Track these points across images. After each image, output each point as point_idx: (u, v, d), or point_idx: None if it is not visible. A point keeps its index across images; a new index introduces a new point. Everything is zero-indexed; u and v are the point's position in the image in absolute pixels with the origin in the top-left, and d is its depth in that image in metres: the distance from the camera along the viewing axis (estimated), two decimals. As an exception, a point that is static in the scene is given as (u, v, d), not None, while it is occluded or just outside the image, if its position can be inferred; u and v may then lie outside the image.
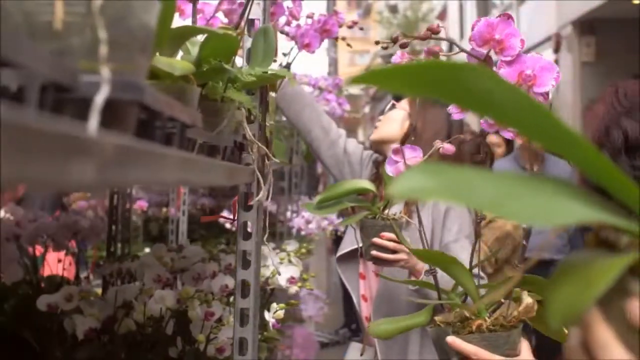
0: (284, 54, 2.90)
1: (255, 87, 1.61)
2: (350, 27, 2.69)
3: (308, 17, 2.72)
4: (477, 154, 3.27)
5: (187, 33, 1.18)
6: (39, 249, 2.82)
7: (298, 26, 2.69)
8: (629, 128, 1.34)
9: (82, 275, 2.89)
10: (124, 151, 0.52)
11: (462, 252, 2.24)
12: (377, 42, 1.46)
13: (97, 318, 1.98)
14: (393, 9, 26.80)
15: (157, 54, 1.16)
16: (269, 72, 1.42)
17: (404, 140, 2.40)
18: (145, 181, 0.57)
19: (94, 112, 0.55)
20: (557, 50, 11.68)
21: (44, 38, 0.59)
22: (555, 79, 1.26)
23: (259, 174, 1.57)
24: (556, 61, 11.85)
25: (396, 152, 1.53)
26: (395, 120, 2.50)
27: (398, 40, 1.36)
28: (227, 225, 4.48)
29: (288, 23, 2.72)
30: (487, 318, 1.37)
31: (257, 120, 1.66)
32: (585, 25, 11.00)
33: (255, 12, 1.68)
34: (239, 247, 1.69)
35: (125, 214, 3.30)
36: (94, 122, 0.54)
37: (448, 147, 1.48)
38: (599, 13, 10.34)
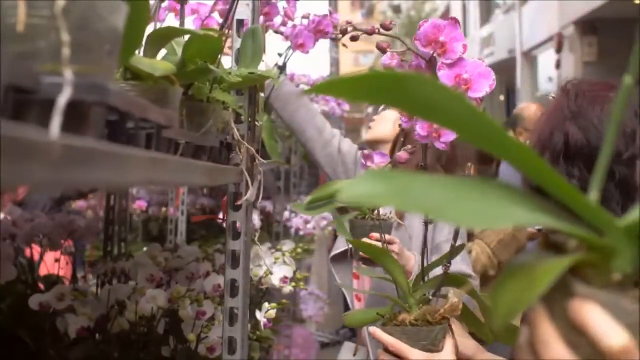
0: (279, 54, 2.91)
1: (243, 87, 1.62)
2: (343, 27, 2.69)
3: (304, 17, 2.72)
4: (480, 153, 3.26)
5: (169, 34, 1.19)
6: (38, 249, 2.84)
7: (294, 26, 2.69)
8: (571, 133, 1.34)
9: (80, 274, 2.90)
10: (81, 152, 0.53)
11: None
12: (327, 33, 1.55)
13: (89, 317, 1.99)
14: (396, 9, 26.81)
15: (141, 54, 1.17)
16: (256, 72, 1.43)
17: (395, 141, 2.41)
18: (107, 181, 0.58)
19: (55, 113, 0.56)
20: (559, 50, 11.69)
21: (11, 40, 0.60)
22: (490, 85, 1.29)
23: (246, 174, 1.58)
24: (558, 61, 11.86)
25: (367, 157, 1.56)
26: (388, 120, 2.51)
27: (347, 32, 1.44)
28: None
29: (284, 23, 2.72)
30: (413, 313, 1.42)
31: (246, 121, 1.67)
32: (587, 25, 11.01)
33: (245, 12, 1.69)
34: (228, 247, 1.70)
35: (122, 213, 3.31)
36: (55, 124, 0.55)
37: (401, 155, 1.50)
38: (600, 13, 10.35)
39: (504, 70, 16.38)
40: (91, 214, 4.67)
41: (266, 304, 2.11)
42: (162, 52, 1.42)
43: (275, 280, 2.38)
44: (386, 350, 1.42)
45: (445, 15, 23.32)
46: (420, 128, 1.34)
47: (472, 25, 19.90)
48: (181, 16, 1.61)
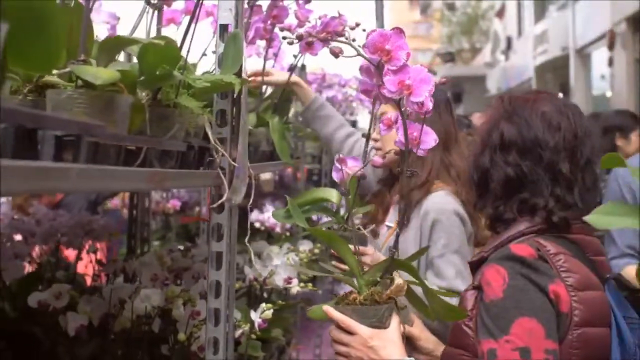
0: (295, 56, 2.93)
1: (226, 91, 1.64)
2: (352, 28, 2.70)
3: (320, 18, 2.73)
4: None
5: (119, 43, 1.22)
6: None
7: (313, 27, 2.70)
8: (505, 129, 1.61)
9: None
10: None
11: (448, 268, 2.22)
12: (284, 38, 1.65)
13: (89, 315, 2.03)
14: (450, 7, 26.64)
15: (94, 63, 1.20)
16: (222, 79, 1.45)
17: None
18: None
19: None
20: (611, 47, 11.47)
21: None
22: (430, 90, 1.39)
23: (223, 177, 1.60)
24: (611, 58, 11.65)
25: (341, 161, 1.62)
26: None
27: (302, 38, 1.51)
28: (257, 225, 4.52)
29: (300, 25, 2.73)
30: (363, 294, 1.55)
31: (229, 123, 1.69)
32: (640, 22, 10.81)
33: (227, 17, 1.72)
34: (211, 249, 1.72)
35: (145, 213, 3.36)
36: None
37: (376, 160, 1.56)
38: (653, 9, 10.14)
39: (558, 68, 16.13)
40: (126, 212, 4.75)
41: (263, 305, 2.13)
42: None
43: (279, 281, 2.41)
44: (338, 327, 1.55)
45: (501, 12, 23.10)
46: (391, 84, 1.40)
47: (527, 22, 19.65)
48: (158, 21, 1.63)
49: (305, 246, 3.12)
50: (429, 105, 1.42)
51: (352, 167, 1.63)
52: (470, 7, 26.04)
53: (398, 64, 1.39)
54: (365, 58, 1.42)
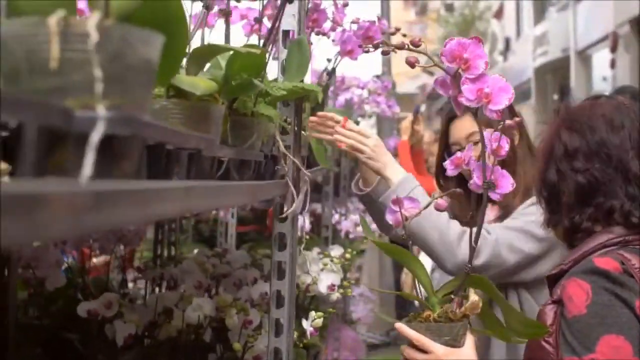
0: (328, 60, 2.90)
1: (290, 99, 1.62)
2: (393, 34, 2.69)
3: (353, 22, 2.71)
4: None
5: (211, 52, 1.19)
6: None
7: (343, 32, 2.68)
8: (568, 139, 1.58)
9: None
10: (105, 197, 0.52)
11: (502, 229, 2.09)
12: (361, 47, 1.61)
13: (137, 324, 2.00)
14: (449, 8, 26.64)
15: (183, 73, 1.17)
16: (300, 86, 1.43)
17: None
18: (138, 219, 0.58)
19: (89, 152, 0.56)
20: (614, 49, 11.46)
21: (44, 75, 0.60)
22: (509, 99, 1.36)
23: (292, 187, 1.58)
24: (613, 61, 11.65)
25: (395, 202, 1.53)
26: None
27: (379, 47, 1.49)
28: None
29: (333, 28, 2.71)
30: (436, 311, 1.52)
31: (292, 132, 1.66)
32: (644, 24, 10.80)
33: (291, 23, 1.69)
34: (274, 258, 1.70)
35: (172, 218, 3.32)
36: (88, 164, 0.55)
37: (441, 202, 1.51)
38: (657, 11, 10.14)
39: (558, 69, 16.14)
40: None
41: (313, 313, 2.10)
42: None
43: (322, 288, 2.38)
44: (411, 345, 1.51)
45: (499, 13, 23.11)
46: (469, 92, 1.36)
47: (525, 23, 19.67)
48: (227, 28, 1.61)
49: (336, 251, 3.08)
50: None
51: (410, 209, 1.53)
52: (468, 7, 26.06)
53: (476, 73, 1.37)
54: (440, 67, 1.38)
